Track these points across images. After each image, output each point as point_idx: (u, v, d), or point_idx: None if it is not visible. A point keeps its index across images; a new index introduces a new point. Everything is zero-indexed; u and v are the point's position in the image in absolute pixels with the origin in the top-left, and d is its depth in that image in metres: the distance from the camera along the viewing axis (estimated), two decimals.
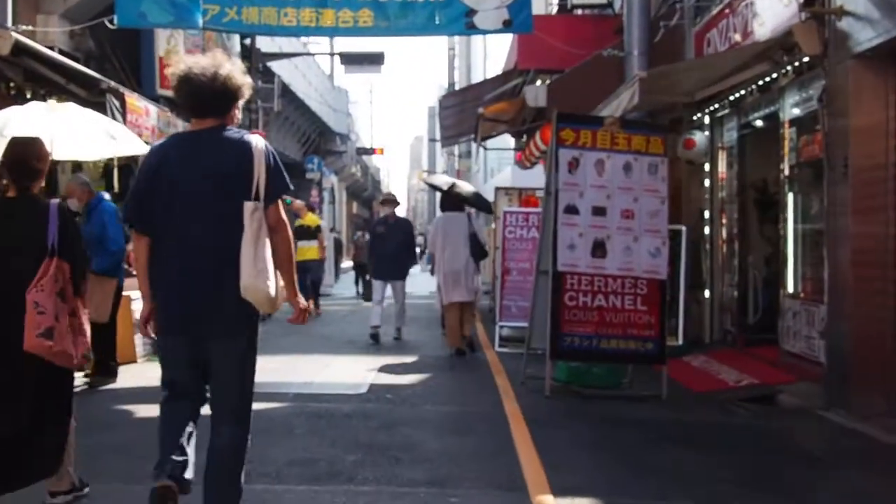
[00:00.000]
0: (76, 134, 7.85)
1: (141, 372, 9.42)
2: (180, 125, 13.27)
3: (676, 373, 8.98)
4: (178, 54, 17.87)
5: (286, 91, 30.96)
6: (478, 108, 14.26)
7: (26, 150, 4.78)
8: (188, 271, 4.11)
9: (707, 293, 12.03)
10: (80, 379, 8.21)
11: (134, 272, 4.62)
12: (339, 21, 11.04)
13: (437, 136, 38.53)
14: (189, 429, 4.13)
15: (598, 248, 8.34)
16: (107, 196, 9.15)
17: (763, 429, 7.31)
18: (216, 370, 4.18)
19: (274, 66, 27.82)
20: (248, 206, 4.07)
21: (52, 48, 13.27)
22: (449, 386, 8.97)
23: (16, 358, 4.39)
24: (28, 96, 10.76)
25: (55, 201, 4.76)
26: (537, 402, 7.95)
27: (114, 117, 10.21)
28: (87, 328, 4.75)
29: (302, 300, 4.37)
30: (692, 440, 6.75)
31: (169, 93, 17.39)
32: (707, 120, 12.08)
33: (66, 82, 10.45)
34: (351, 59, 27.08)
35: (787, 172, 9.49)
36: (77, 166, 15.00)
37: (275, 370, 9.54)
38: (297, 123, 34.70)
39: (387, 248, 12.83)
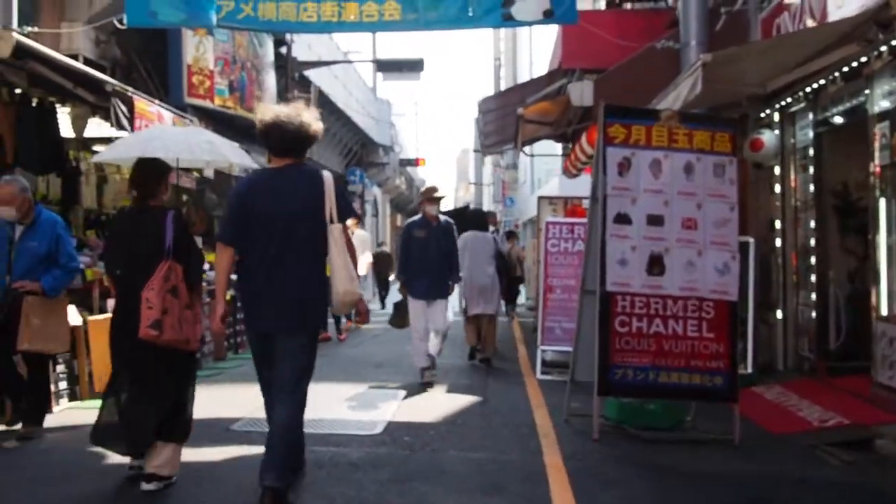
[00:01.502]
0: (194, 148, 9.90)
1: None
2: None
3: (748, 407, 7.63)
4: (207, 61, 17.03)
5: (326, 102, 30.05)
6: (517, 110, 12.99)
7: (147, 171, 5.83)
8: (272, 281, 5.18)
9: (779, 314, 10.69)
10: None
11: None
12: (363, 15, 9.95)
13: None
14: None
15: (655, 264, 7.05)
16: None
17: (865, 486, 5.95)
18: (287, 358, 5.23)
19: (312, 76, 26.91)
20: (333, 227, 5.26)
21: (75, 56, 12.47)
22: (479, 425, 7.64)
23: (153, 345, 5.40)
24: (34, 103, 9.84)
25: (172, 211, 5.71)
26: (583, 449, 6.67)
27: (118, 122, 9.25)
28: (201, 319, 5.91)
29: (365, 302, 5.64)
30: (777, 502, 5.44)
31: (197, 101, 16.90)
32: (777, 117, 10.76)
33: (73, 86, 9.52)
34: (389, 67, 26.11)
35: (876, 174, 8.15)
36: (104, 178, 14.23)
37: None
38: (338, 135, 33.73)
39: (428, 257, 10.05)
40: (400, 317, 10.70)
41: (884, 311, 8.13)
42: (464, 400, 8.74)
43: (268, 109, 5.40)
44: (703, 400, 7.25)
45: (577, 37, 14.04)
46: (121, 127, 9.18)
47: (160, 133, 9.78)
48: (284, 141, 5.33)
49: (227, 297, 5.52)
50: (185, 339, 5.53)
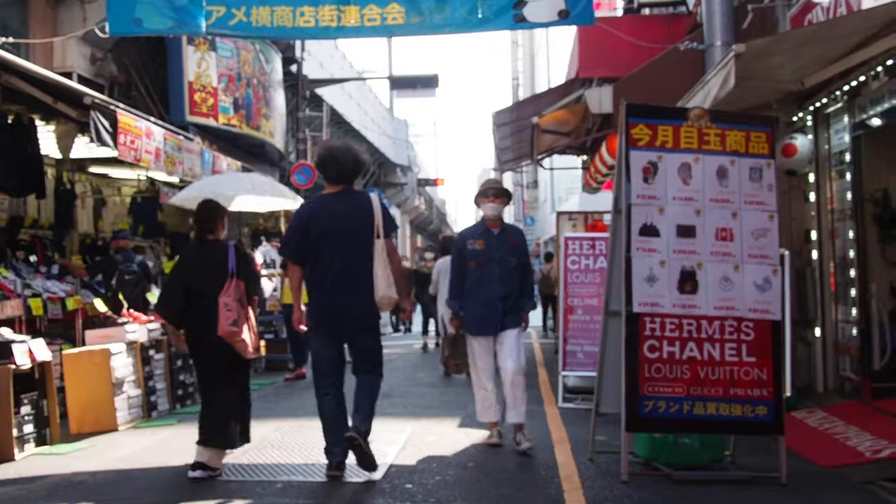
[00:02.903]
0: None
1: (119, 444, 7.67)
2: (196, 149, 11.70)
3: (790, 437, 6.75)
4: (210, 78, 16.47)
5: (340, 121, 29.51)
6: (533, 119, 12.25)
7: (208, 210, 6.87)
8: (334, 288, 6.34)
9: (818, 331, 9.89)
10: None
11: None
12: (364, 19, 9.31)
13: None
14: (343, 399, 6.46)
15: (687, 281, 6.28)
16: None
17: None
18: (359, 347, 6.52)
19: (326, 95, 26.38)
20: (378, 242, 6.39)
21: (69, 74, 11.90)
22: (493, 466, 6.78)
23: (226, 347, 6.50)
24: (10, 120, 9.20)
25: (232, 242, 6.89)
26: (611, 494, 5.85)
27: (99, 137, 8.62)
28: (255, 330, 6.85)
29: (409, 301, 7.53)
30: None
31: (200, 119, 16.30)
32: (810, 120, 9.99)
33: (53, 101, 8.88)
34: (403, 84, 25.47)
35: None
36: (102, 201, 13.65)
37: (277, 443, 7.69)
38: None
39: (489, 276, 7.53)
40: (455, 357, 8.25)
41: None
42: (477, 435, 7.86)
43: (323, 144, 6.84)
44: (746, 434, 6.44)
45: (594, 45, 13.49)
46: (102, 142, 8.54)
47: (230, 178, 12.35)
48: (338, 171, 6.53)
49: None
50: (247, 343, 6.64)
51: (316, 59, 25.95)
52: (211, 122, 16.43)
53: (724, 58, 7.07)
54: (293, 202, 12.65)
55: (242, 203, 12.39)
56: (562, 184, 37.88)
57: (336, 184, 6.55)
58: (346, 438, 6.19)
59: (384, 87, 37.89)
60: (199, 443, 6.53)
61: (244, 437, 6.80)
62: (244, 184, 11.95)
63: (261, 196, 12.05)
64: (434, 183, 51.05)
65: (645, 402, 6.15)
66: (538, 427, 8.20)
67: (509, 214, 62.75)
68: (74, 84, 8.89)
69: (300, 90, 23.06)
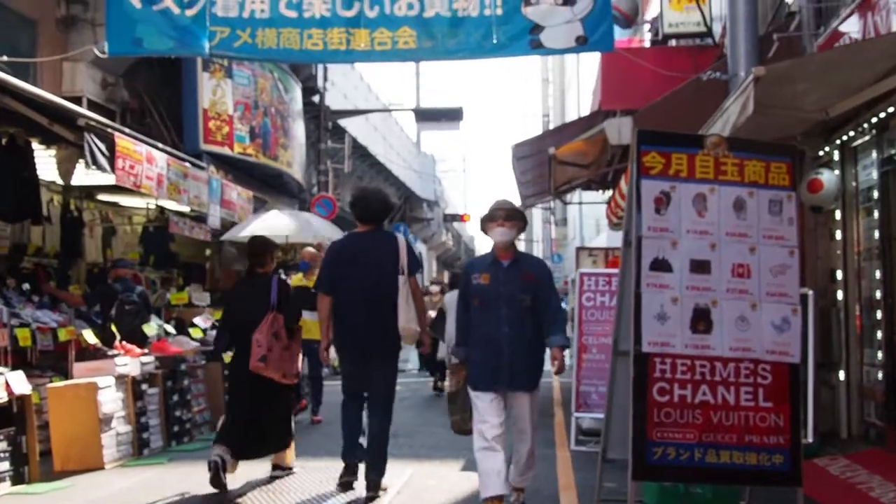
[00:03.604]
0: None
1: (102, 484, 7.32)
2: (203, 177, 11.48)
3: (811, 486, 6.32)
4: (226, 105, 16.26)
5: (365, 154, 29.35)
6: (549, 150, 11.89)
7: (258, 245, 7.63)
8: (361, 320, 6.89)
9: (842, 375, 9.44)
10: None
11: None
12: (374, 43, 9.09)
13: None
14: (363, 421, 7.10)
15: (701, 320, 5.84)
16: None
17: None
18: (376, 379, 7.05)
19: (350, 127, 26.24)
20: (401, 278, 6.88)
21: (79, 100, 11.74)
22: None
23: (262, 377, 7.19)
24: (3, 141, 8.97)
25: (277, 276, 7.56)
26: None
27: (95, 160, 8.36)
28: (299, 356, 7.65)
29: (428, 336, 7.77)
30: None
31: (215, 148, 16.06)
32: (836, 155, 9.59)
33: (49, 123, 8.63)
34: (427, 116, 25.26)
35: None
36: (112, 229, 13.45)
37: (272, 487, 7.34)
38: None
39: (497, 318, 6.33)
40: (459, 414, 6.72)
41: None
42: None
43: (357, 187, 7.88)
44: (761, 484, 5.97)
45: (617, 77, 13.23)
46: (98, 166, 8.27)
47: (275, 216, 13.89)
48: (368, 211, 7.16)
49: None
50: (282, 373, 7.29)
51: (340, 89, 25.84)
52: (226, 150, 16.19)
53: (743, 81, 6.71)
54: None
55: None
56: (590, 220, 37.52)
57: (366, 223, 7.18)
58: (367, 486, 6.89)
59: (411, 121, 37.85)
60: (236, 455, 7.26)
61: (286, 441, 7.70)
62: (288, 221, 13.42)
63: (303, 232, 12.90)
64: (461, 219, 50.66)
65: (654, 448, 5.71)
66: (546, 472, 7.78)
67: (538, 253, 62.50)
68: (68, 104, 8.58)
69: (322, 121, 22.90)
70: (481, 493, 6.19)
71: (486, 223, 6.56)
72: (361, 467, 7.11)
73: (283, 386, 7.47)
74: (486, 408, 6.22)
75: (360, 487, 7.03)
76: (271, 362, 7.09)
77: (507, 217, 6.44)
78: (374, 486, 6.83)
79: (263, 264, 7.53)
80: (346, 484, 7.11)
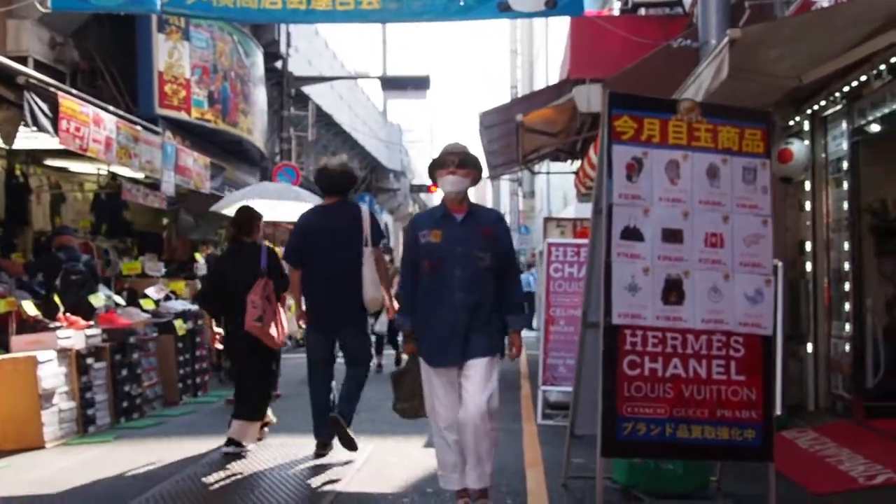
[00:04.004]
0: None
1: (40, 464, 7.02)
2: (156, 142, 11.08)
3: (780, 459, 6.10)
4: (182, 69, 15.72)
5: (330, 122, 28.91)
6: (517, 116, 11.58)
7: (245, 215, 7.82)
8: (327, 290, 7.16)
9: (809, 347, 9.34)
10: None
11: None
12: (336, 3, 8.74)
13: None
14: (331, 390, 7.42)
15: (673, 291, 5.63)
16: None
17: None
18: (349, 339, 7.38)
19: (314, 94, 25.78)
20: (366, 250, 7.17)
21: (24, 59, 11.24)
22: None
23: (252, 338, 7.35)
24: None
25: (265, 244, 7.85)
26: None
27: (36, 121, 7.94)
28: (284, 321, 7.74)
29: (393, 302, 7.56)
30: None
31: (171, 112, 15.54)
32: (807, 125, 9.42)
33: None
34: (393, 84, 24.80)
35: None
36: (61, 196, 12.99)
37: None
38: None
39: (448, 283, 5.49)
40: (407, 397, 5.95)
41: None
42: None
43: (322, 161, 7.66)
44: (733, 459, 5.80)
45: (586, 45, 12.99)
46: (40, 128, 7.85)
47: (261, 188, 13.30)
48: (332, 184, 7.41)
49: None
50: (272, 335, 7.43)
51: (304, 56, 25.35)
52: (183, 115, 15.65)
53: (718, 45, 6.47)
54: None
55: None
56: (558, 192, 37.32)
57: (331, 195, 7.46)
58: (329, 418, 7.04)
59: (378, 90, 37.35)
60: (233, 416, 7.54)
61: (261, 413, 7.74)
62: (270, 191, 12.75)
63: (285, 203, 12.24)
64: (428, 190, 50.14)
65: (623, 423, 5.50)
66: (512, 447, 7.58)
67: (507, 221, 62.21)
68: (6, 61, 8.06)
69: (285, 87, 22.44)
70: (444, 484, 5.67)
71: (436, 170, 5.66)
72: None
73: (270, 357, 7.76)
74: (442, 389, 5.44)
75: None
76: (266, 323, 7.30)
77: (460, 163, 5.57)
78: (346, 417, 7.12)
79: (250, 233, 7.74)
80: (321, 456, 7.32)
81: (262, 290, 7.31)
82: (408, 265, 5.66)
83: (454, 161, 5.58)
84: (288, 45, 22.62)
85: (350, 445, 7.06)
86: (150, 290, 11.46)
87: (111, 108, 9.96)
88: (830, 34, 6.54)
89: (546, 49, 41.07)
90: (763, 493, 5.55)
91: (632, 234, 5.65)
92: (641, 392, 5.52)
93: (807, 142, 9.29)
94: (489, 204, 77.46)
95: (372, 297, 7.17)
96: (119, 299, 10.46)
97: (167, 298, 11.64)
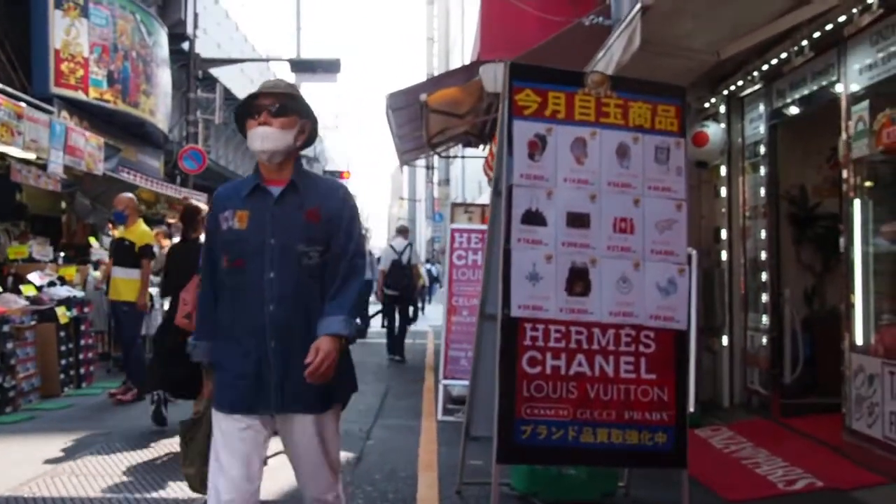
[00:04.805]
0: None
1: None
2: (44, 120, 10.29)
3: (693, 461, 5.61)
4: (80, 47, 14.89)
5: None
6: (421, 96, 11.03)
7: (190, 211, 8.12)
8: None
9: (725, 340, 9.05)
10: None
11: None
12: None
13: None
14: None
15: (578, 280, 5.15)
16: None
17: None
18: None
19: (223, 77, 24.89)
20: None
21: None
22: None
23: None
24: None
25: None
26: None
27: None
28: None
29: None
30: None
31: (67, 92, 14.72)
32: (723, 107, 9.10)
33: None
34: (303, 67, 24.03)
35: (851, 170, 6.51)
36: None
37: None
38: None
39: (251, 288, 3.44)
40: (194, 459, 4.17)
41: (859, 340, 6.51)
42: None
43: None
44: (642, 465, 5.33)
45: (497, 25, 12.62)
46: None
47: None
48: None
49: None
50: None
51: (213, 38, 24.50)
52: (80, 95, 14.86)
53: (630, 13, 6.01)
54: None
55: None
56: (473, 180, 37.04)
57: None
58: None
59: (291, 78, 36.44)
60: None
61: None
62: None
63: None
64: (341, 176, 49.39)
65: (522, 426, 5.00)
66: (407, 447, 7.06)
67: (421, 212, 61.55)
68: None
69: (191, 69, 21.56)
70: None
71: (244, 120, 3.56)
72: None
73: None
74: (229, 443, 3.41)
75: None
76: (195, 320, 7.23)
77: (278, 110, 3.52)
78: None
79: (195, 229, 7.85)
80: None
81: (195, 287, 6.98)
82: (207, 264, 3.69)
83: (268, 105, 3.50)
84: (195, 26, 21.77)
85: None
86: (32, 276, 10.69)
87: None
88: (751, 4, 6.14)
89: (462, 37, 40.80)
90: (676, 499, 5.13)
91: (533, 218, 5.14)
92: (542, 392, 5.02)
93: (723, 124, 9.05)
94: (405, 190, 76.46)
95: None
96: None
97: (51, 284, 10.85)
